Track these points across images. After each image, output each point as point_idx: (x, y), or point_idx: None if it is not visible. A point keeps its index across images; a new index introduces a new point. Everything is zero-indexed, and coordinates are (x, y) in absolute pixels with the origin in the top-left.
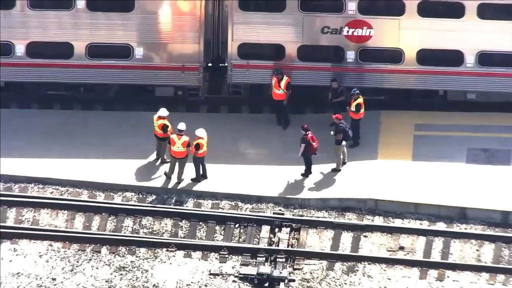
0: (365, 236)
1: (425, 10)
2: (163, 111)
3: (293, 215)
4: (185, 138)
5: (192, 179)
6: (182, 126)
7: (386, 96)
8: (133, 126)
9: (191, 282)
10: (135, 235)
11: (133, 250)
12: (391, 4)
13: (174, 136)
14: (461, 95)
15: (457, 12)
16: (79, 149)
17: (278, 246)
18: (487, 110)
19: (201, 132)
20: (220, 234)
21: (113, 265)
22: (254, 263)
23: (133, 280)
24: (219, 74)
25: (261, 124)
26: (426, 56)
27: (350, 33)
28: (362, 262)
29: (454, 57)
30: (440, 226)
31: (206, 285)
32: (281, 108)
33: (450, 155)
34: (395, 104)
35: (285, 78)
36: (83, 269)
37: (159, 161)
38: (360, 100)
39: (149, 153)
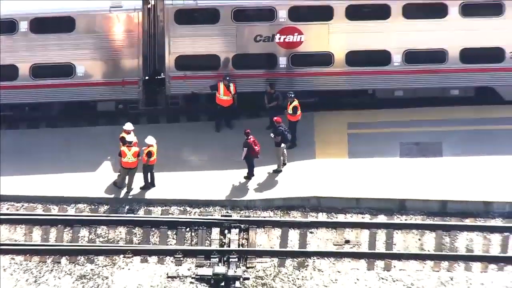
0: (311, 232)
1: (353, 13)
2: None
3: (240, 216)
4: (135, 149)
5: (141, 188)
6: (130, 138)
7: (317, 98)
8: (79, 141)
9: (151, 286)
10: (92, 244)
11: (92, 258)
12: (320, 9)
13: (124, 148)
14: (389, 93)
15: (384, 13)
16: (30, 166)
17: (229, 246)
18: (415, 105)
19: (150, 140)
20: (173, 238)
21: (74, 274)
22: (208, 264)
23: (95, 287)
24: (156, 86)
25: (200, 131)
26: (355, 58)
27: (281, 40)
28: (311, 257)
29: (382, 57)
30: (382, 218)
31: None
32: (228, 113)
33: (384, 150)
34: (327, 105)
35: (231, 84)
36: (46, 280)
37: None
38: (296, 102)
39: (97, 166)
